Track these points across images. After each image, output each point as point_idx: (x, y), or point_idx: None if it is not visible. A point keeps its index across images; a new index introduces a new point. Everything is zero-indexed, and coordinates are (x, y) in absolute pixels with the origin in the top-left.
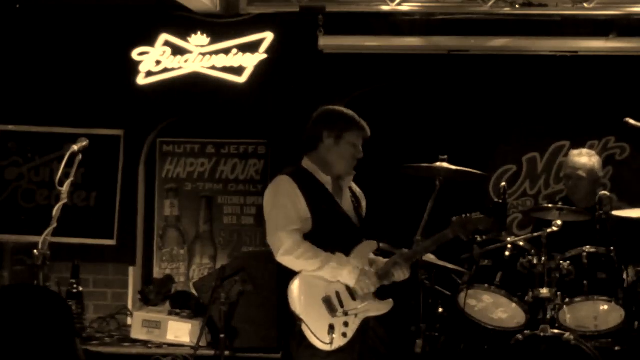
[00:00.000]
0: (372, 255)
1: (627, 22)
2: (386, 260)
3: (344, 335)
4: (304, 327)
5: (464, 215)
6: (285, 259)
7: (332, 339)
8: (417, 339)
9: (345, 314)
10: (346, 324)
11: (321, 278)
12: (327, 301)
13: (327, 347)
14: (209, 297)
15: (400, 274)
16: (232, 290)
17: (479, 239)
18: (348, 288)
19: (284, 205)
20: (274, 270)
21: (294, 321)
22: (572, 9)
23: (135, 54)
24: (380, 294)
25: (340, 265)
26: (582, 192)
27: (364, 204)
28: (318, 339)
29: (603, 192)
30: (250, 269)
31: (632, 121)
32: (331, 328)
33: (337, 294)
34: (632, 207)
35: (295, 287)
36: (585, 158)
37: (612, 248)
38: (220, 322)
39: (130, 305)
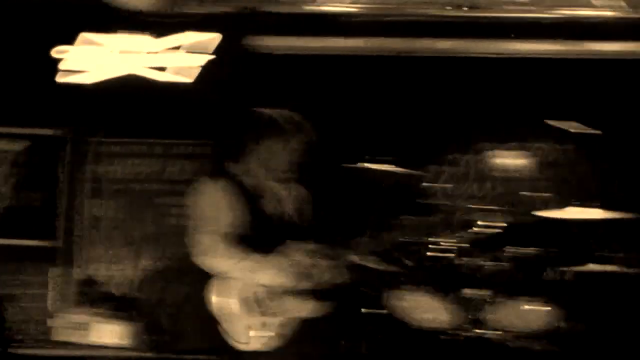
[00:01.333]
0: (298, 256)
1: (570, 25)
2: (314, 260)
3: (262, 335)
4: (221, 329)
5: (406, 216)
6: (202, 260)
7: (250, 339)
8: (343, 339)
9: (263, 313)
10: (264, 324)
11: (239, 279)
12: (245, 301)
13: (244, 348)
14: (152, 299)
15: (327, 275)
16: (175, 291)
17: (408, 238)
18: (268, 288)
19: (204, 207)
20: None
21: (216, 323)
22: (517, 11)
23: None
24: (303, 295)
25: (256, 268)
26: (512, 192)
27: (299, 205)
28: (235, 339)
29: (534, 193)
30: (194, 271)
31: (569, 124)
32: (248, 328)
33: (255, 294)
34: (563, 208)
35: (214, 288)
36: (515, 158)
37: (540, 248)
38: (164, 323)
39: (55, 307)
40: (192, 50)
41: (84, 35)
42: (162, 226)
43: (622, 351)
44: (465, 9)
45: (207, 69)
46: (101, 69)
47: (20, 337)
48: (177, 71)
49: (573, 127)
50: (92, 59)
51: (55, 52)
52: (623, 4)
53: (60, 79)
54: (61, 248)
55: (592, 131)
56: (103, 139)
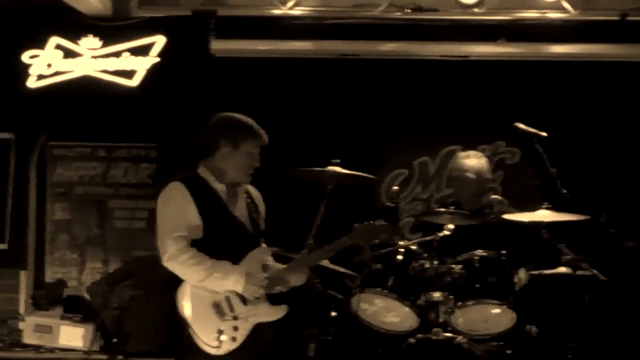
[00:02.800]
0: (270, 261)
1: (516, 27)
2: (283, 265)
3: (234, 339)
4: (191, 332)
5: (366, 223)
6: (170, 265)
7: (220, 343)
8: (310, 342)
9: (235, 318)
10: (236, 328)
11: (209, 286)
12: (217, 306)
13: (215, 351)
14: (100, 302)
15: (297, 279)
16: (123, 294)
17: None
18: (239, 293)
19: (172, 212)
20: (166, 274)
21: (183, 326)
22: (462, 13)
23: (26, 57)
24: (273, 299)
25: (225, 275)
26: (470, 194)
27: (262, 208)
28: (205, 343)
29: (494, 195)
30: (142, 273)
31: (521, 126)
32: (220, 332)
33: (227, 299)
34: (522, 211)
35: (183, 291)
36: (472, 160)
37: (502, 252)
38: (112, 326)
39: (21, 310)
40: (137, 53)
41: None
42: (110, 228)
43: (586, 354)
44: (408, 11)
45: (151, 72)
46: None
47: None
48: (121, 74)
49: (521, 128)
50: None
51: (26, 57)
52: (568, 5)
53: (32, 83)
54: (7, 250)
55: (540, 132)
56: (48, 142)
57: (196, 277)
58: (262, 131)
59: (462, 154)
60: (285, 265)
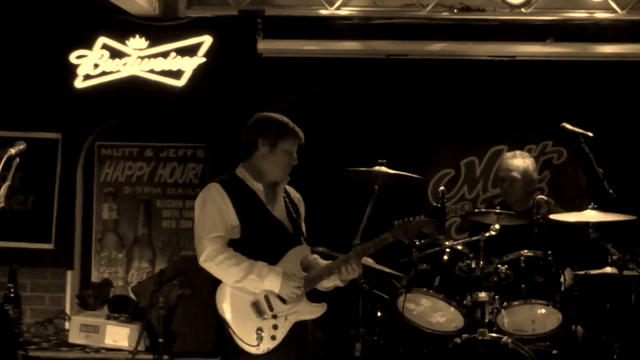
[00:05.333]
0: (318, 259)
1: (564, 27)
2: (327, 263)
3: (273, 338)
4: (231, 331)
5: (406, 219)
6: (207, 265)
7: (260, 341)
8: (356, 342)
9: (275, 317)
10: (275, 327)
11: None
12: (256, 304)
13: (255, 350)
14: (147, 301)
15: (350, 271)
16: (170, 294)
17: (417, 243)
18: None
19: (210, 212)
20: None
21: (224, 326)
22: (509, 13)
23: (73, 57)
24: (314, 298)
25: (260, 277)
26: (517, 194)
27: (302, 209)
28: (245, 342)
29: (540, 196)
30: (189, 273)
31: (568, 126)
32: (259, 331)
33: (267, 298)
34: (569, 211)
35: (222, 291)
36: (519, 160)
37: (549, 252)
38: (159, 326)
39: (68, 310)
40: (184, 53)
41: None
42: (157, 228)
43: (633, 354)
44: (456, 11)
45: (198, 72)
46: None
47: (36, 339)
48: (168, 74)
49: (568, 128)
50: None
51: (73, 58)
52: (615, 5)
53: (79, 84)
54: (53, 250)
55: (587, 132)
56: (96, 142)
57: (233, 277)
58: (298, 130)
59: (509, 154)
60: (328, 263)
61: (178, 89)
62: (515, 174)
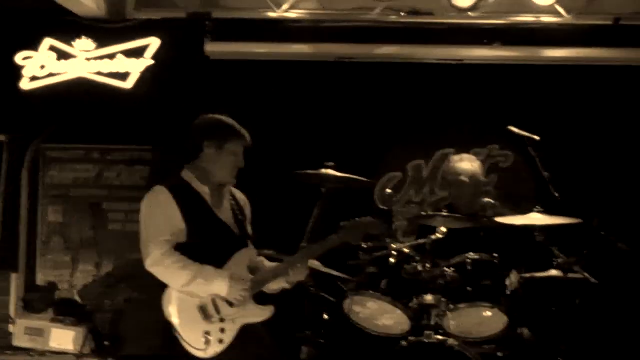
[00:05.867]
0: (264, 262)
1: (512, 31)
2: (275, 265)
3: (221, 341)
4: (178, 335)
5: (352, 221)
6: (153, 269)
7: (208, 345)
8: (303, 345)
9: (222, 320)
10: (223, 331)
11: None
12: (203, 308)
13: (202, 354)
14: (93, 305)
15: (298, 273)
16: (117, 297)
17: (364, 246)
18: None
19: (156, 216)
20: None
21: (172, 329)
22: (458, 17)
23: (19, 59)
24: (261, 300)
25: (207, 281)
26: (465, 197)
27: (248, 211)
28: (192, 346)
29: (487, 199)
30: (137, 276)
31: (515, 129)
32: (207, 334)
33: (214, 301)
34: (515, 214)
35: (169, 295)
36: (466, 163)
37: (495, 255)
38: (105, 329)
39: (12, 313)
40: (131, 55)
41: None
42: (104, 231)
43: (577, 357)
44: (404, 14)
45: (146, 74)
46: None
47: None
48: (115, 76)
49: (515, 132)
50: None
51: (19, 59)
52: (562, 10)
53: (25, 85)
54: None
55: (533, 136)
56: (42, 144)
57: (179, 281)
58: (244, 132)
59: (456, 157)
60: (276, 265)
61: (125, 91)
62: (463, 178)
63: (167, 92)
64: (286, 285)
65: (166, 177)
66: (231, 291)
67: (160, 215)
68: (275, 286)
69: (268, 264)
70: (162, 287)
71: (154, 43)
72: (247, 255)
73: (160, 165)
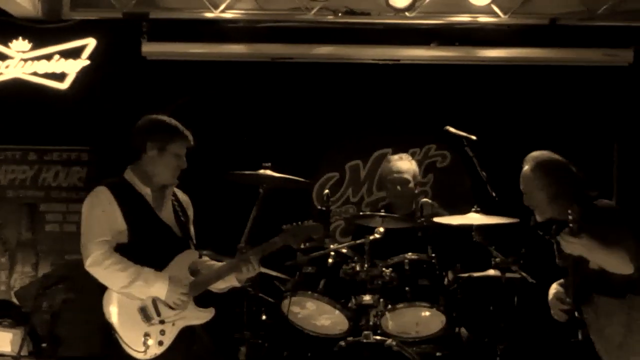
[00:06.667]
0: (207, 262)
1: (448, 31)
2: (217, 265)
3: (160, 343)
4: (117, 336)
5: (294, 224)
6: (93, 270)
7: (147, 347)
8: (241, 346)
9: (162, 322)
10: (163, 332)
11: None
12: (143, 310)
13: (142, 356)
14: (31, 306)
15: (251, 270)
16: (55, 298)
17: (302, 246)
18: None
19: (96, 216)
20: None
21: (110, 331)
22: (394, 17)
23: None
24: (201, 302)
25: (147, 284)
26: (403, 197)
27: (190, 213)
28: (131, 347)
29: (424, 199)
30: (74, 277)
31: (452, 129)
32: (146, 336)
33: (154, 303)
34: (452, 214)
35: (109, 296)
36: (406, 162)
37: (433, 255)
38: (43, 330)
39: None
40: (67, 56)
41: None
42: (41, 232)
43: (515, 356)
44: (341, 14)
45: (82, 75)
46: None
47: None
48: (52, 77)
49: (452, 132)
50: None
51: None
52: (498, 10)
53: None
54: None
55: (470, 136)
56: None
57: (119, 283)
58: (187, 133)
59: (395, 156)
60: (217, 267)
61: (62, 91)
62: (406, 176)
63: (103, 92)
64: (236, 284)
65: (108, 178)
66: (170, 294)
67: (100, 215)
68: (222, 285)
69: (211, 263)
70: (101, 288)
71: (90, 43)
72: (188, 257)
73: (98, 166)
